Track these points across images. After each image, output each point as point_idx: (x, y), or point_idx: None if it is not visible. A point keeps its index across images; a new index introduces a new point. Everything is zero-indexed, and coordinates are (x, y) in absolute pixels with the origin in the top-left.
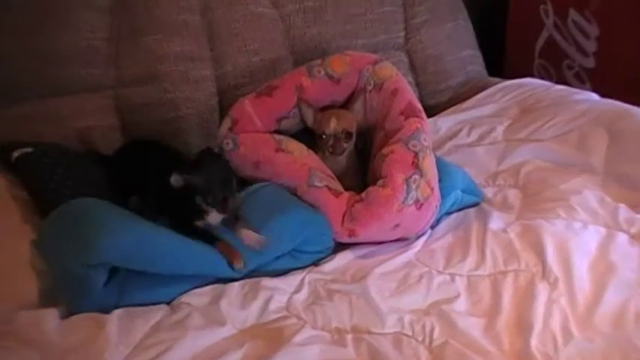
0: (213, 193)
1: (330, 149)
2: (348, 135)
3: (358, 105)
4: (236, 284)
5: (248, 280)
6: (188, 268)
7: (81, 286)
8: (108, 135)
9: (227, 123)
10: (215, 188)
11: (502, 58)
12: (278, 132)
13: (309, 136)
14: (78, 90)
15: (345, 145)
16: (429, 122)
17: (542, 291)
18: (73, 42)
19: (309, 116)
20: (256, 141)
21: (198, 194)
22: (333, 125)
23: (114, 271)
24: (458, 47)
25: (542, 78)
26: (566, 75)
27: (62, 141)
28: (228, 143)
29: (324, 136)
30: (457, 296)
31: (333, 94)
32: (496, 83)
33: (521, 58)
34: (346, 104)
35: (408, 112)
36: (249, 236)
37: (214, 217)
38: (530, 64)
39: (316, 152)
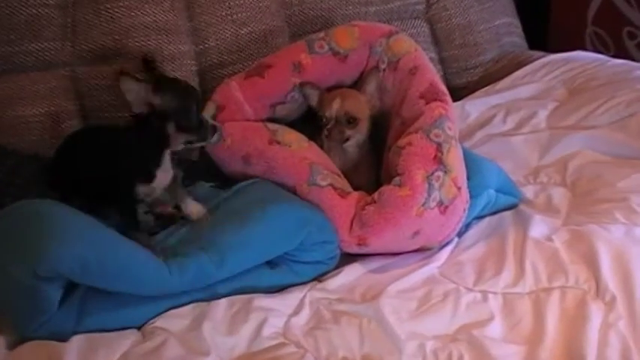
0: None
1: (326, 133)
2: (352, 120)
3: (372, 87)
4: (222, 302)
5: (237, 298)
6: (157, 286)
7: (31, 305)
8: (63, 123)
9: (210, 109)
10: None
11: (546, 26)
12: (273, 120)
13: (311, 125)
14: (25, 69)
15: (348, 133)
16: (456, 107)
17: (595, 313)
18: (16, 9)
19: (314, 99)
20: (246, 131)
21: (171, 118)
22: (335, 107)
23: (72, 288)
24: (491, 14)
25: (596, 50)
26: (627, 46)
27: (7, 130)
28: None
29: (323, 119)
30: (491, 319)
31: (338, 73)
32: (538, 58)
33: (570, 26)
34: (355, 86)
35: (430, 95)
36: (192, 206)
37: (162, 179)
38: (581, 34)
39: (320, 145)
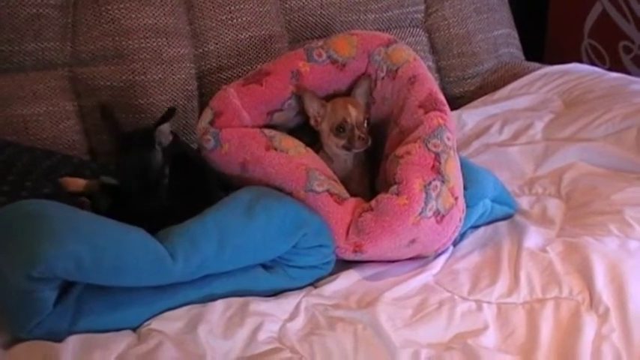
0: None
1: (358, 141)
2: (368, 124)
3: (361, 91)
4: (218, 304)
5: (233, 300)
6: (157, 275)
7: (27, 306)
8: (61, 123)
9: (208, 116)
10: None
11: (543, 38)
12: (270, 127)
13: (310, 132)
14: (25, 68)
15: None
16: (453, 116)
17: (589, 324)
18: (16, 9)
19: (314, 108)
20: (243, 137)
21: None
22: (354, 113)
23: (67, 288)
24: (489, 25)
25: (592, 63)
26: (623, 59)
27: (5, 129)
28: (208, 140)
29: (345, 126)
30: (485, 328)
31: (336, 82)
32: (535, 69)
33: (567, 39)
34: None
35: (429, 105)
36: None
37: None
38: (577, 46)
39: (316, 151)
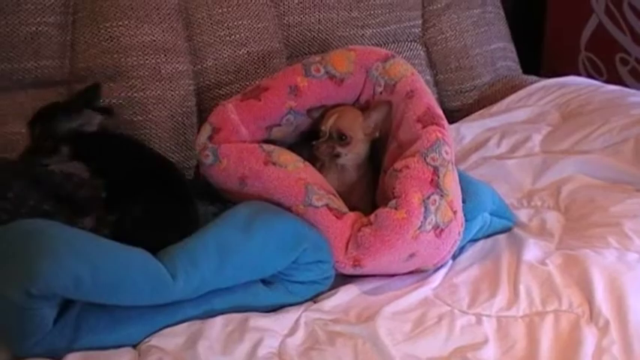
0: None
1: (316, 147)
2: (344, 137)
3: (377, 116)
4: (217, 321)
5: (232, 316)
6: (157, 294)
7: (26, 323)
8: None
9: (206, 131)
10: None
11: (540, 51)
12: (269, 142)
13: (309, 147)
14: (24, 86)
15: (338, 150)
16: (451, 129)
17: (589, 337)
18: (15, 27)
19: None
20: (241, 152)
21: None
22: (330, 122)
23: (67, 306)
24: (486, 39)
25: (589, 76)
26: (620, 72)
27: (3, 147)
28: (207, 155)
29: (320, 134)
30: (485, 342)
31: (334, 97)
32: (532, 83)
33: (564, 52)
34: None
35: (427, 119)
36: None
37: None
38: (574, 59)
39: (319, 167)
